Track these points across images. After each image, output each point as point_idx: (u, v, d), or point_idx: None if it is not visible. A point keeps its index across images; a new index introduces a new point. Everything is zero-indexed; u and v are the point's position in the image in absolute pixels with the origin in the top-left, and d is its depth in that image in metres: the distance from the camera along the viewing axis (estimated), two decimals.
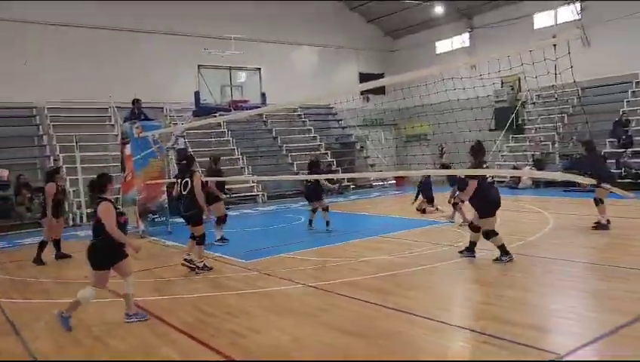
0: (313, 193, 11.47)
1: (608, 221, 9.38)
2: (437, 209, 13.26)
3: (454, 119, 15.88)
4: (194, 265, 7.99)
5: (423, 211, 13.28)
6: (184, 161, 8.89)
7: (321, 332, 5.05)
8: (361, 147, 24.97)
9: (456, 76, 12.12)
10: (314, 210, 11.56)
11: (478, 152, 7.63)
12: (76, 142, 15.93)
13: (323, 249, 9.23)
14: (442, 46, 25.79)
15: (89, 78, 18.39)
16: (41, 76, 17.58)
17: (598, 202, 9.39)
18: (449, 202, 11.50)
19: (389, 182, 23.77)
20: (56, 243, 9.81)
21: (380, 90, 22.89)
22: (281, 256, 8.78)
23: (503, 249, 7.34)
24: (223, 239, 10.42)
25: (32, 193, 14.97)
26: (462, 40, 24.72)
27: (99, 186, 5.81)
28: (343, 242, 9.80)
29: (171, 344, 4.98)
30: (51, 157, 17.34)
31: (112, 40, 19.40)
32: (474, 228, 7.65)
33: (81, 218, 15.78)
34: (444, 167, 11.15)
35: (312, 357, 4.47)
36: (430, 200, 13.47)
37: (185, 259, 8.12)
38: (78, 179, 15.98)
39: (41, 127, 18.08)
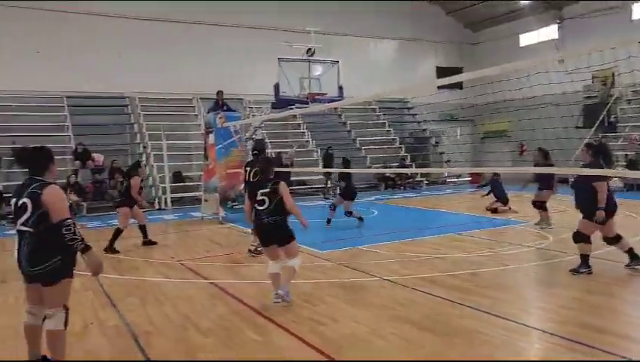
0: (352, 192, 11.48)
1: None
2: (509, 208, 12.81)
3: (538, 116, 15.19)
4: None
5: (494, 211, 12.84)
6: (255, 152, 9.26)
7: (397, 325, 5.08)
8: (436, 142, 24.52)
9: (542, 71, 11.57)
10: (334, 208, 11.41)
11: (600, 153, 6.88)
12: (163, 131, 16.83)
13: (398, 244, 9.20)
14: (527, 39, 24.68)
15: (175, 70, 19.31)
16: (133, 68, 18.69)
17: None
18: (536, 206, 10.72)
19: (464, 178, 23.24)
20: (143, 229, 10.04)
21: (458, 85, 22.32)
22: (356, 249, 8.87)
23: (585, 259, 6.72)
24: None
25: (123, 177, 15.98)
26: (549, 32, 23.52)
27: (273, 168, 6.16)
28: (418, 238, 9.72)
29: (254, 327, 5.20)
30: (141, 145, 18.47)
31: (197, 34, 20.25)
32: (582, 237, 6.77)
33: (166, 202, 16.69)
34: (545, 156, 10.13)
35: (389, 350, 4.52)
36: (504, 200, 12.99)
37: (250, 250, 8.54)
38: (164, 165, 16.89)
39: (132, 116, 19.28)
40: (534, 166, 10.22)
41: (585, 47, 9.74)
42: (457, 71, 23.29)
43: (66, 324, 4.01)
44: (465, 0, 24.35)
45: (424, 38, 25.91)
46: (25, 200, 3.88)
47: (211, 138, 13.17)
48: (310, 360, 4.38)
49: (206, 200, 13.59)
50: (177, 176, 18.17)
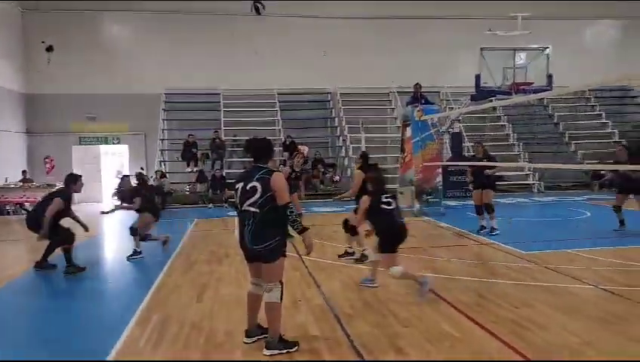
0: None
1: None
2: None
3: None
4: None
5: None
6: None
7: (619, 341, 4.49)
8: None
9: None
10: (618, 208, 9.74)
11: None
12: (361, 124, 17.48)
13: (620, 250, 8.10)
14: None
15: (373, 65, 19.92)
16: (335, 66, 19.79)
17: None
18: None
19: None
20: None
21: None
22: (565, 252, 8.08)
23: None
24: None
25: (325, 168, 17.13)
26: None
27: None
28: None
29: (450, 321, 5.10)
30: (340, 138, 19.50)
31: (393, 28, 20.59)
32: None
33: None
34: None
35: None
36: None
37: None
38: None
39: (333, 110, 20.45)
40: None
41: None
42: None
43: (281, 297, 4.47)
44: None
45: None
46: (255, 183, 4.38)
47: (408, 131, 13.26)
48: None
49: (401, 193, 13.74)
50: None
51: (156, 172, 17.03)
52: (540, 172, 18.75)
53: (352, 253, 8.08)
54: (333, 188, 17.65)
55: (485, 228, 9.87)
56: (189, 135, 17.87)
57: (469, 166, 10.80)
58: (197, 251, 9.14)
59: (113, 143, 19.69)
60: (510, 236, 9.46)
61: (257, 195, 4.35)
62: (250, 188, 4.39)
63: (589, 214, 12.51)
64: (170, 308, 5.77)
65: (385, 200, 5.99)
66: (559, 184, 19.10)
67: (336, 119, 20.17)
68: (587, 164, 18.37)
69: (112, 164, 20.32)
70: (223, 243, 9.75)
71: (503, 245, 8.76)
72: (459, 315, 5.29)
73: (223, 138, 18.39)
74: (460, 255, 8.15)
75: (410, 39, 20.49)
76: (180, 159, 18.02)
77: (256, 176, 4.40)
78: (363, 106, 20.03)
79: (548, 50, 15.06)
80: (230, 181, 17.32)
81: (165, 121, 19.38)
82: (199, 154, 17.96)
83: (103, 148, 19.99)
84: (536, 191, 18.30)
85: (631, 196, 9.73)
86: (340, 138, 19.58)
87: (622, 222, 9.81)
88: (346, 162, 18.91)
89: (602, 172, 17.20)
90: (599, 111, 21.79)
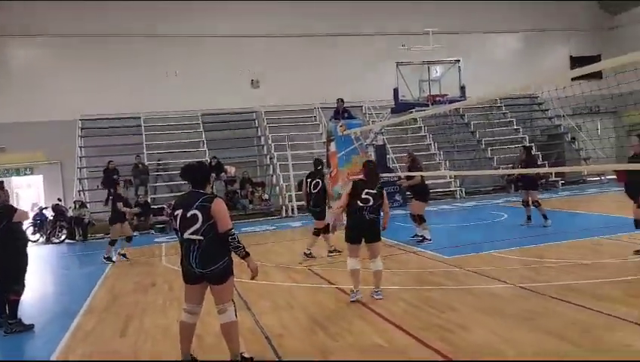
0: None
1: None
2: None
3: None
4: (311, 255, 9.24)
5: None
6: (320, 167, 10.07)
7: (535, 336, 4.74)
8: (572, 138, 22.60)
9: None
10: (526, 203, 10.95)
11: None
12: (287, 142, 17.54)
13: (533, 248, 8.62)
14: None
15: (296, 81, 20.06)
16: (259, 84, 19.78)
17: None
18: None
19: (608, 177, 21.07)
20: None
21: (597, 75, 20.28)
22: (485, 254, 8.46)
23: None
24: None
25: (253, 187, 16.96)
26: None
27: None
28: (556, 242, 9.02)
29: (381, 332, 5.17)
30: (268, 156, 19.46)
31: (315, 45, 20.93)
32: None
33: (292, 210, 17.34)
34: None
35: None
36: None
37: (305, 253, 9.27)
38: (289, 175, 17.59)
39: (259, 129, 20.38)
40: None
41: None
42: (595, 60, 21.28)
43: (235, 315, 4.44)
44: None
45: (554, 27, 24.14)
46: (195, 211, 4.27)
47: (333, 146, 13.44)
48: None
49: (329, 207, 13.84)
50: (302, 185, 18.78)
51: (75, 202, 16.14)
52: (461, 178, 19.60)
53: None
54: (262, 206, 17.54)
55: (418, 236, 10.09)
56: (109, 161, 17.10)
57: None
58: (121, 282, 8.72)
59: (26, 174, 18.46)
60: (434, 243, 9.77)
61: (199, 224, 4.26)
62: (191, 216, 4.28)
63: (506, 216, 13.20)
64: (91, 344, 5.45)
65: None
66: (479, 189, 20.07)
67: (262, 138, 20.12)
68: (502, 168, 19.47)
69: (27, 196, 19.08)
70: (150, 272, 9.37)
71: (428, 252, 9.03)
72: (388, 326, 5.36)
73: (146, 162, 17.78)
74: (387, 265, 8.25)
75: (331, 55, 20.91)
76: (101, 187, 17.19)
77: (197, 204, 4.30)
78: (288, 124, 20.12)
79: (459, 62, 15.87)
80: (154, 207, 16.76)
81: (82, 148, 18.46)
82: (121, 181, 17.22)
83: (15, 180, 18.70)
84: (458, 197, 19.09)
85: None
86: (268, 156, 19.53)
87: (529, 218, 10.82)
88: (274, 180, 18.84)
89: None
90: (510, 118, 23.17)
